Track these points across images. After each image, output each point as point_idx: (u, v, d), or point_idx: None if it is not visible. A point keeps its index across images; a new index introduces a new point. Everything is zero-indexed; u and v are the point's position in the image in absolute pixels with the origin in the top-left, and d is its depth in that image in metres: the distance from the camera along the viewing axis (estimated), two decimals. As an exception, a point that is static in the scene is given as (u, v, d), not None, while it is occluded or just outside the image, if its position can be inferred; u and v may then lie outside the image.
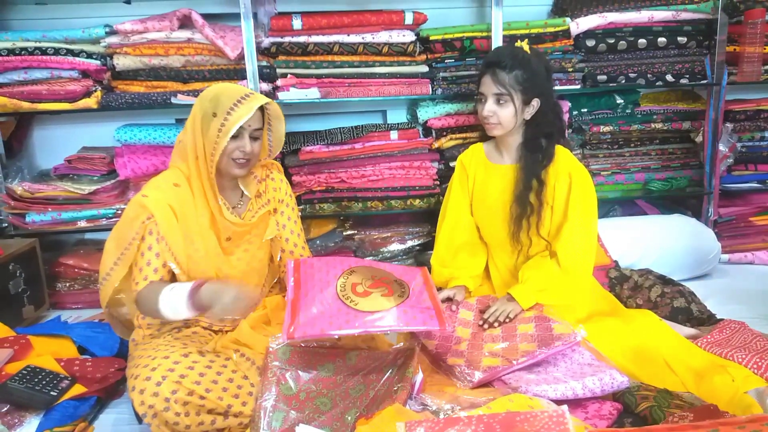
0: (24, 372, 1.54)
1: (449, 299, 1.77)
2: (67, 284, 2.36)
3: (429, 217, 2.52)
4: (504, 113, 1.74)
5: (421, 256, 2.48)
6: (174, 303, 1.36)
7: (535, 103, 1.77)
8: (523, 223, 1.75)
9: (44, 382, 1.52)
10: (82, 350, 1.81)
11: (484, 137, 1.96)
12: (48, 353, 1.70)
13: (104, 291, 1.54)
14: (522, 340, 1.54)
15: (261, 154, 1.67)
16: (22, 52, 2.13)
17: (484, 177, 1.87)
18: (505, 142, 1.84)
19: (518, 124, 1.77)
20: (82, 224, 2.31)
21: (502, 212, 1.81)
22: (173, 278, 1.52)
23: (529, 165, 1.77)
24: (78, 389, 1.56)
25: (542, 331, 1.55)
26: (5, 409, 1.48)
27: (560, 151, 1.82)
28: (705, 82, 2.42)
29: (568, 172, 1.77)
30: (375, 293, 1.43)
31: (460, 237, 1.88)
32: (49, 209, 2.27)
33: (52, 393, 1.50)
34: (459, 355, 1.54)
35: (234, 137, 1.47)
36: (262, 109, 1.55)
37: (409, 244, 2.48)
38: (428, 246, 2.48)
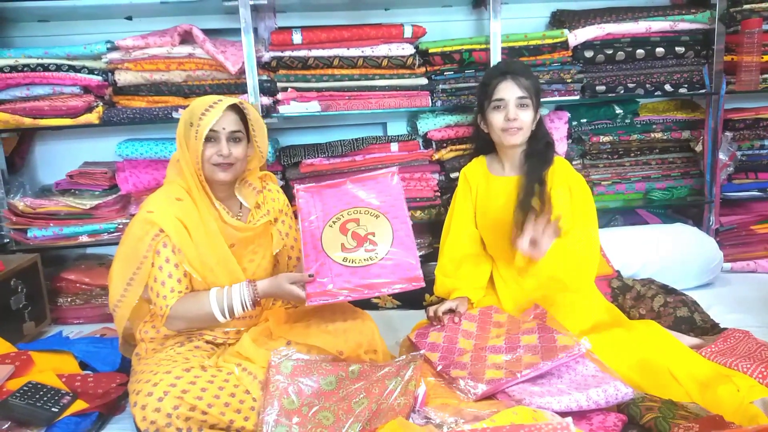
0: (25, 388, 1.53)
1: (451, 310, 1.76)
2: (69, 299, 2.35)
3: (430, 229, 2.52)
4: (526, 117, 1.76)
5: (423, 267, 2.46)
6: (233, 302, 1.48)
7: (539, 113, 1.81)
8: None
9: (45, 399, 1.51)
10: (83, 366, 1.81)
11: (479, 150, 1.96)
12: (49, 369, 1.69)
13: (120, 314, 1.53)
14: (526, 351, 1.53)
15: (255, 161, 1.67)
16: (25, 69, 2.15)
17: (486, 189, 1.88)
18: (509, 154, 1.84)
19: (530, 132, 1.79)
20: (84, 239, 2.31)
21: (506, 223, 1.81)
22: (192, 288, 1.54)
23: (531, 171, 1.78)
24: (79, 405, 1.55)
25: (546, 342, 1.55)
26: (6, 425, 1.47)
27: (559, 161, 1.83)
28: (703, 91, 2.43)
29: (567, 185, 1.78)
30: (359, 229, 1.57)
31: (464, 249, 1.88)
32: (51, 224, 2.28)
33: (53, 409, 1.49)
34: (462, 368, 1.53)
35: (211, 141, 1.50)
36: (242, 114, 1.56)
37: (411, 255, 2.47)
38: (430, 257, 2.47)
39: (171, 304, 1.45)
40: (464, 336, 1.66)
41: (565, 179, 1.79)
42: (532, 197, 1.75)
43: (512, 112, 1.74)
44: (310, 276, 1.47)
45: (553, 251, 1.70)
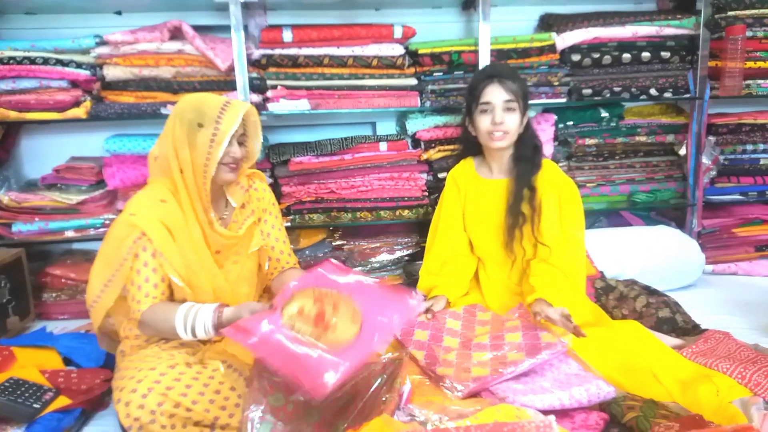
0: (6, 384, 1.52)
1: (428, 310, 1.76)
2: (54, 294, 2.33)
3: (418, 228, 2.53)
4: (512, 121, 1.77)
5: (409, 266, 2.49)
6: (196, 323, 1.39)
7: (527, 116, 1.82)
8: (515, 233, 1.77)
9: (27, 395, 1.50)
10: (67, 361, 1.79)
11: (466, 152, 1.98)
12: (32, 365, 1.68)
13: (96, 314, 1.52)
14: (510, 349, 1.55)
15: (248, 161, 1.66)
16: (11, 62, 2.13)
17: (475, 192, 1.89)
18: (497, 157, 1.85)
19: (516, 136, 1.80)
20: (70, 234, 2.29)
21: (494, 226, 1.82)
22: (171, 294, 1.51)
23: (520, 176, 1.79)
24: (62, 401, 1.54)
25: (530, 339, 1.56)
26: (-13, 421, 1.46)
27: (547, 164, 1.85)
28: (688, 96, 2.47)
29: (556, 189, 1.79)
30: (327, 312, 1.30)
31: (450, 250, 1.89)
32: (36, 219, 2.26)
33: (35, 405, 1.48)
34: (448, 365, 1.54)
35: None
36: None
37: (398, 254, 2.49)
38: (417, 256, 2.49)
39: (143, 309, 1.44)
40: (449, 334, 1.67)
41: (554, 183, 1.80)
42: (521, 202, 1.76)
43: (498, 116, 1.76)
44: (270, 307, 1.35)
45: (542, 267, 1.73)
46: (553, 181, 1.81)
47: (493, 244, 1.84)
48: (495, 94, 1.76)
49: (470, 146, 1.95)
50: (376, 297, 1.39)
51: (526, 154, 1.82)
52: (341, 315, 1.31)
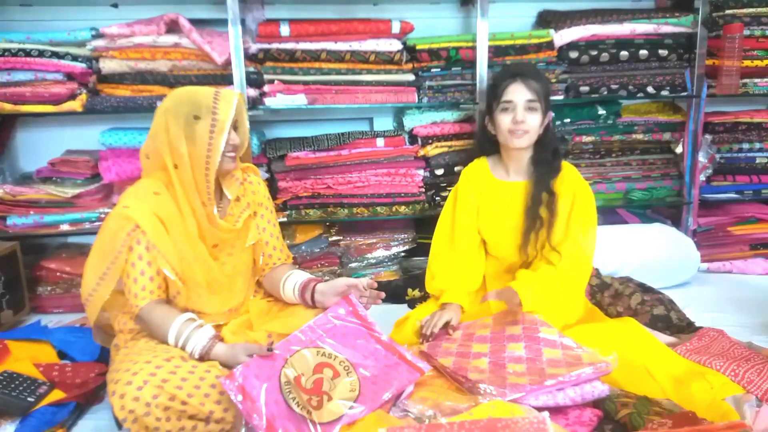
0: (0, 377, 1.51)
1: (447, 323, 1.68)
2: (49, 288, 2.33)
3: (414, 224, 2.53)
4: (534, 121, 1.74)
5: (406, 262, 2.49)
6: (186, 344, 1.42)
7: (548, 117, 1.79)
8: (531, 237, 1.75)
9: (21, 388, 1.50)
10: (62, 355, 1.79)
11: (480, 151, 1.93)
12: (26, 358, 1.68)
13: (92, 307, 1.51)
14: (549, 365, 1.45)
15: (242, 150, 1.66)
16: (6, 54, 2.12)
17: (490, 193, 1.85)
18: (516, 158, 1.81)
19: (536, 137, 1.78)
20: (65, 227, 2.29)
21: (510, 228, 1.79)
22: (167, 286, 1.51)
23: (539, 179, 1.76)
24: (57, 395, 1.53)
25: (570, 358, 1.46)
26: (-19, 415, 1.46)
27: (567, 167, 1.81)
28: (685, 94, 2.47)
29: (573, 192, 1.77)
30: (325, 381, 1.31)
31: (461, 250, 1.84)
32: (31, 212, 2.25)
33: (29, 399, 1.48)
34: (481, 372, 1.46)
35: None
36: None
37: (394, 250, 2.49)
38: (413, 252, 2.49)
39: (141, 305, 1.44)
40: (478, 341, 1.60)
41: (570, 187, 1.77)
42: (540, 206, 1.74)
43: (520, 115, 1.72)
44: (269, 350, 1.33)
45: (547, 271, 1.72)
46: (570, 184, 1.77)
47: (507, 245, 1.81)
48: (517, 93, 1.73)
49: (486, 145, 1.90)
50: (381, 365, 1.41)
51: (545, 157, 1.78)
52: (339, 387, 1.32)
